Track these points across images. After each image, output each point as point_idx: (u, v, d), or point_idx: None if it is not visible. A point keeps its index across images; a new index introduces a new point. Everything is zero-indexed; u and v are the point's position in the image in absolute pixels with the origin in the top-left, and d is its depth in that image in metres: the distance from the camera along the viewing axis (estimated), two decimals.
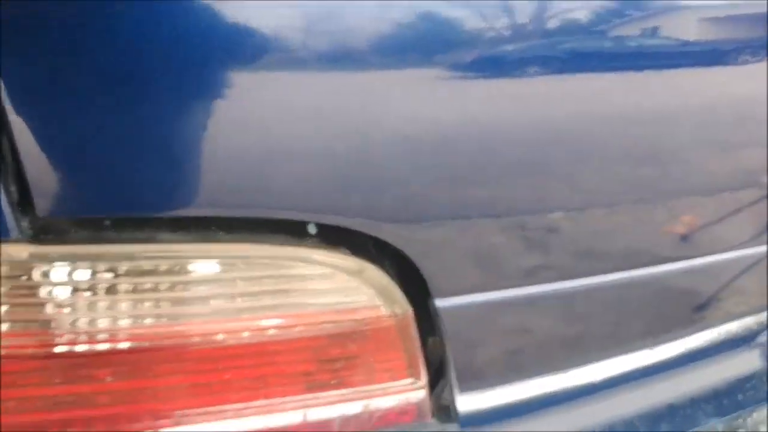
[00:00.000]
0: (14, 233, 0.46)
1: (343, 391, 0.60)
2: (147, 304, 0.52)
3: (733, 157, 0.72)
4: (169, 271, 0.52)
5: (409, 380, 0.63)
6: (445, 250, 0.59)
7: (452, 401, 0.66)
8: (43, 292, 0.49)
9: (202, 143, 0.47)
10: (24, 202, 0.46)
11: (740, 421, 0.80)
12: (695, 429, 0.76)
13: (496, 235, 0.62)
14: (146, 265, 0.51)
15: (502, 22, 0.50)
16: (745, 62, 0.63)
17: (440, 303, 0.61)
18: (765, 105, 0.64)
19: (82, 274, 0.50)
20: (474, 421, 0.67)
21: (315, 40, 0.46)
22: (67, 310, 0.50)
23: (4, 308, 0.49)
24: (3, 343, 0.49)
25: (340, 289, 0.57)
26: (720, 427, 0.77)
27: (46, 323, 0.50)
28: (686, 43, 0.60)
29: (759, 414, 0.82)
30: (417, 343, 0.61)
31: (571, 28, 0.53)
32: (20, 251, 0.47)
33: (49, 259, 0.48)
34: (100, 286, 0.50)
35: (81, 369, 0.52)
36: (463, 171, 0.56)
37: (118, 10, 0.41)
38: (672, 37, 0.58)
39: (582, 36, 0.54)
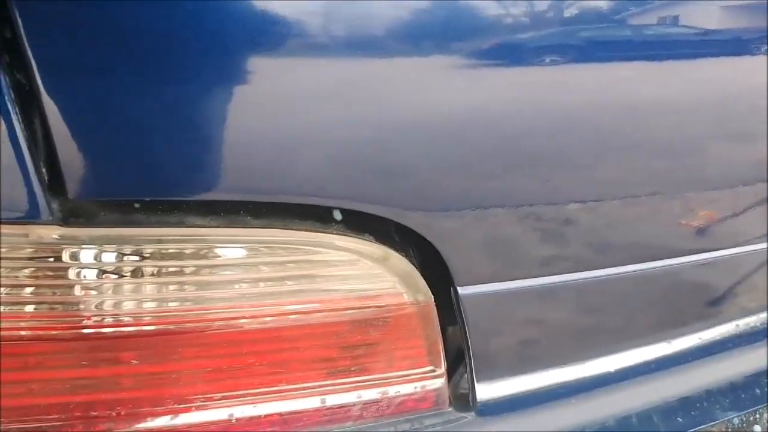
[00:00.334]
0: (45, 215, 0.46)
1: (364, 377, 0.60)
2: (172, 287, 0.52)
3: (752, 149, 0.71)
4: (195, 255, 0.52)
5: (429, 368, 0.63)
6: (467, 238, 0.60)
7: (471, 389, 0.66)
8: (71, 273, 0.49)
9: (231, 128, 0.47)
10: (55, 184, 0.46)
11: (757, 416, 0.79)
12: (712, 423, 0.76)
13: (516, 224, 0.62)
14: (172, 248, 0.51)
15: (521, 10, 0.51)
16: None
17: (462, 291, 0.61)
18: None
19: (110, 257, 0.50)
20: (491, 410, 0.67)
21: (338, 27, 0.46)
22: (94, 292, 0.51)
23: (31, 289, 0.50)
24: (30, 325, 0.50)
25: (363, 276, 0.57)
26: (736, 421, 0.77)
27: (73, 305, 0.51)
28: (706, 32, 0.59)
29: None
30: (438, 331, 0.62)
31: (589, 17, 0.53)
32: (50, 233, 0.48)
33: (79, 242, 0.49)
34: (126, 268, 0.51)
35: (105, 351, 0.53)
36: (483, 160, 0.56)
37: None
38: (691, 26, 0.58)
39: (600, 25, 0.54)
